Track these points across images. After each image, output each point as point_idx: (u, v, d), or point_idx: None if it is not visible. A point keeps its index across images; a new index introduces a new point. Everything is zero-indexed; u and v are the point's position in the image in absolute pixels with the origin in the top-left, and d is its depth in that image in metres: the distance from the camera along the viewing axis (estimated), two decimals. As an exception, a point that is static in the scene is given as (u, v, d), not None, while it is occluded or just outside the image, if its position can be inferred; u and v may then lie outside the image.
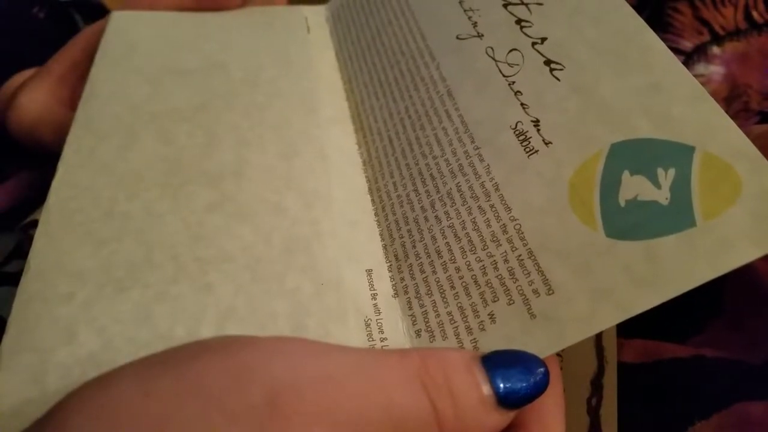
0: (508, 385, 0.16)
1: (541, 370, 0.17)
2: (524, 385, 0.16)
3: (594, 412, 0.23)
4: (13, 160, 0.35)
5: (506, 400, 0.16)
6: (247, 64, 0.29)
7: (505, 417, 0.16)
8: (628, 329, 0.25)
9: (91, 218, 0.22)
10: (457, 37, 0.26)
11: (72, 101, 0.32)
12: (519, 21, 0.24)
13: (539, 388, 0.16)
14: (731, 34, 0.35)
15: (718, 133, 0.18)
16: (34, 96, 0.31)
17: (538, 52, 0.23)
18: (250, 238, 0.22)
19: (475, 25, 0.26)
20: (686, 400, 0.23)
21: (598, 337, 0.24)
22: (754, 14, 0.35)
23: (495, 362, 0.16)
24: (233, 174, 0.24)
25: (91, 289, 0.20)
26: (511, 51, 0.24)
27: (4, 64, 0.36)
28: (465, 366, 0.16)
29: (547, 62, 0.22)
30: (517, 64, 0.23)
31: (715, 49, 0.34)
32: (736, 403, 0.23)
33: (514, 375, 0.16)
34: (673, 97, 0.19)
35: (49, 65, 0.32)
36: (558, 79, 0.22)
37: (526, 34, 0.23)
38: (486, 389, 0.16)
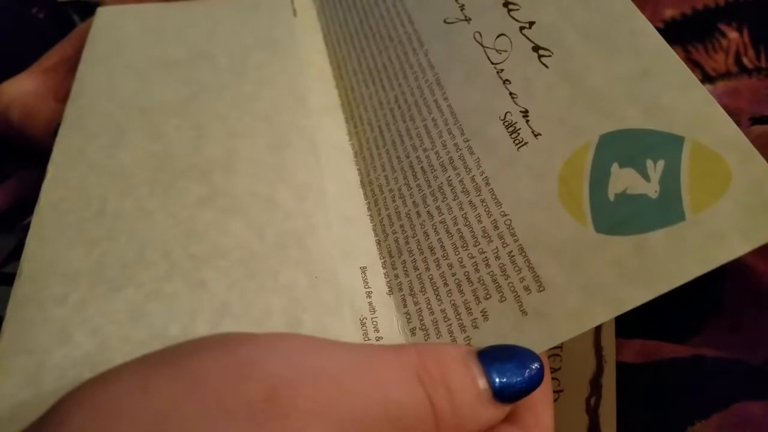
0: (503, 380, 0.16)
1: (536, 365, 0.17)
2: (519, 379, 0.16)
3: (593, 412, 0.23)
4: (13, 160, 0.35)
5: (502, 395, 0.16)
6: (233, 51, 0.28)
7: (500, 411, 0.16)
8: (627, 329, 0.25)
9: (82, 218, 0.22)
10: (445, 21, 0.25)
11: (59, 93, 0.32)
12: (506, 4, 0.23)
13: (534, 382, 0.16)
14: (722, 75, 0.36)
15: (709, 123, 0.17)
16: (13, 81, 0.32)
17: (526, 37, 0.22)
18: (242, 232, 0.21)
19: (462, 7, 0.25)
20: (686, 400, 0.23)
21: (597, 336, 0.24)
22: (745, 60, 0.36)
23: (491, 357, 0.16)
24: (223, 168, 0.23)
25: (84, 289, 0.20)
26: (498, 36, 0.23)
27: (3, 64, 0.36)
28: (461, 361, 0.16)
29: (536, 48, 0.22)
30: (505, 51, 0.23)
31: (707, 86, 0.35)
32: (735, 403, 0.23)
33: (510, 369, 0.16)
34: (663, 84, 0.19)
35: (40, 60, 0.33)
36: (546, 66, 0.21)
37: (513, 18, 0.23)
38: (482, 384, 0.16)
